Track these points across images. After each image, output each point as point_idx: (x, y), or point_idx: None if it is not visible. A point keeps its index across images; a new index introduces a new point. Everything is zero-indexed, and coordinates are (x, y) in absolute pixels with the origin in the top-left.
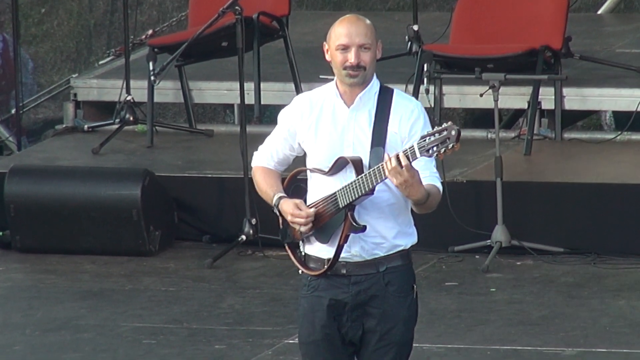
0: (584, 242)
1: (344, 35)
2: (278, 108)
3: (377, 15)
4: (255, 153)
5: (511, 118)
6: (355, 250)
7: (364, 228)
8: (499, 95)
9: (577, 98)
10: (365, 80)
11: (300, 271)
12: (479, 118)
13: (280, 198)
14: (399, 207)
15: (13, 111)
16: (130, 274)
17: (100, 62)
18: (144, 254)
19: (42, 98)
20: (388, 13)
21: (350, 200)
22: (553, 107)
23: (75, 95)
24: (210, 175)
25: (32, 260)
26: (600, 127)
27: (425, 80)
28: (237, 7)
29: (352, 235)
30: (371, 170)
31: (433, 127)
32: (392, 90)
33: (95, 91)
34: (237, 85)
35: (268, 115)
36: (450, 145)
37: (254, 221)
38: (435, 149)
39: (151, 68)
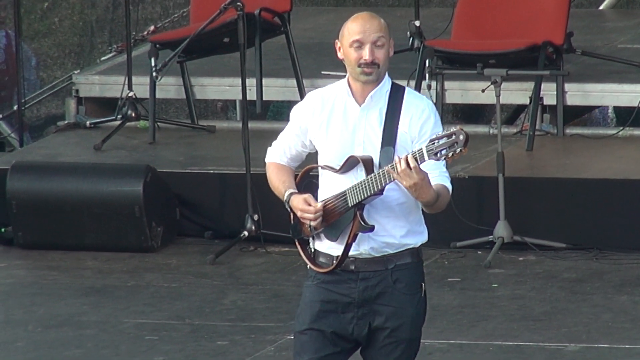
0: (586, 238)
1: (358, 32)
2: (280, 104)
3: (379, 10)
4: (268, 149)
5: (513, 114)
6: (364, 249)
7: (372, 228)
8: (501, 91)
9: (579, 93)
10: (379, 77)
11: (308, 266)
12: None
13: (292, 194)
14: (409, 205)
15: (15, 107)
16: (133, 270)
17: (102, 59)
18: (146, 250)
19: (44, 94)
20: (390, 9)
21: (360, 199)
22: (555, 103)
23: (77, 91)
24: (212, 171)
25: (35, 257)
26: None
27: (427, 76)
28: (238, 3)
29: (361, 234)
30: (381, 170)
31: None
32: (403, 89)
33: (97, 87)
34: (239, 81)
35: (272, 110)
36: (458, 150)
37: (256, 217)
38: (443, 152)
39: (153, 64)
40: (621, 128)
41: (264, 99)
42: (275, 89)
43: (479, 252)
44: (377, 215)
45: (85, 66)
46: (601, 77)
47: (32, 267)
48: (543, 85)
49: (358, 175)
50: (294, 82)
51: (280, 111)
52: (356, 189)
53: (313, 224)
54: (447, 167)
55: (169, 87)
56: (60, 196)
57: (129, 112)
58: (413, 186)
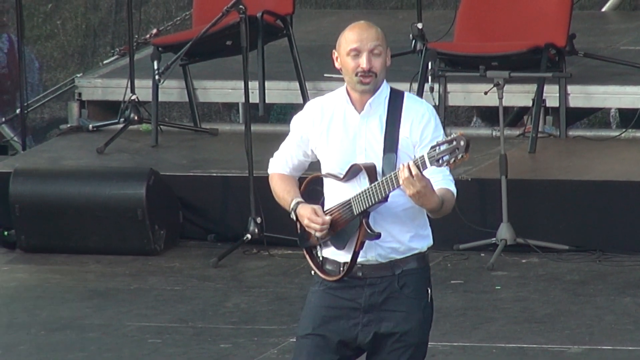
0: (589, 240)
1: (355, 41)
2: (282, 107)
3: (382, 13)
4: (270, 160)
5: (516, 116)
6: (371, 256)
7: (378, 235)
8: (504, 93)
9: (581, 95)
10: (376, 86)
11: (313, 272)
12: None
13: (298, 203)
14: (414, 211)
15: (18, 111)
16: (136, 274)
17: (105, 62)
18: (149, 253)
19: (46, 98)
20: (392, 11)
21: (365, 207)
22: (557, 105)
23: (79, 94)
24: (215, 174)
25: (37, 260)
26: (607, 124)
27: (429, 78)
28: (241, 6)
29: (367, 241)
30: (384, 178)
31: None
32: (402, 94)
33: (99, 90)
34: (241, 84)
35: (274, 113)
36: (460, 156)
37: (259, 220)
38: (445, 158)
39: (156, 67)
40: (624, 130)
41: (266, 101)
42: (278, 91)
43: (482, 255)
44: (383, 222)
45: (87, 69)
46: (604, 79)
47: (35, 271)
48: (545, 88)
49: (361, 183)
50: (296, 84)
51: (283, 113)
52: (361, 197)
53: (319, 234)
54: (450, 171)
55: (172, 90)
56: (63, 199)
57: (132, 115)
58: (416, 194)
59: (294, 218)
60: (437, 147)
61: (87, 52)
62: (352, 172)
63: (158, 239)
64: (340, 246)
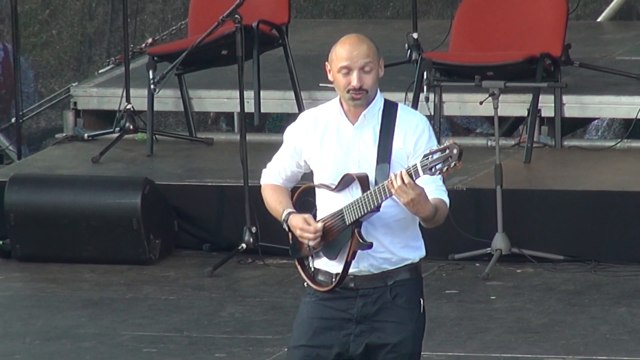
0: (584, 250)
1: (345, 58)
2: (278, 116)
3: (377, 23)
4: (263, 170)
5: (511, 126)
6: (363, 266)
7: (370, 245)
8: (499, 103)
9: (576, 105)
10: (368, 101)
11: (305, 284)
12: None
13: (290, 213)
14: (406, 221)
15: (13, 120)
16: (131, 283)
17: (100, 71)
18: (144, 262)
19: (42, 107)
20: (388, 21)
21: (357, 217)
22: (553, 115)
23: (75, 103)
24: (210, 184)
25: (32, 269)
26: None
27: (425, 88)
28: (236, 16)
29: (360, 251)
30: (376, 187)
31: (438, 140)
32: (396, 105)
33: (95, 100)
34: (237, 93)
35: (270, 124)
36: (453, 164)
37: (254, 229)
38: (438, 167)
39: (151, 76)
40: (619, 140)
41: (262, 111)
42: (273, 101)
43: (477, 264)
44: (375, 232)
45: (83, 78)
46: (599, 89)
47: (30, 280)
48: (541, 97)
49: (354, 193)
50: (292, 94)
51: (279, 122)
52: (353, 206)
53: (312, 243)
54: (444, 180)
55: (167, 100)
56: (58, 209)
57: (127, 124)
58: (410, 202)
59: (286, 229)
60: (430, 156)
61: (83, 61)
62: (345, 182)
63: (153, 249)
64: (332, 256)
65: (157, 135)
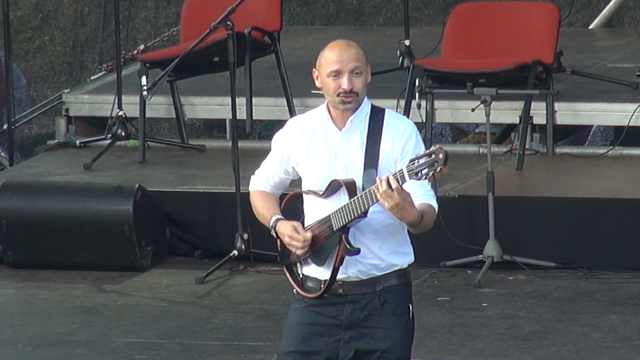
0: (576, 257)
1: (335, 62)
2: (270, 123)
3: (369, 30)
4: (252, 177)
5: (503, 133)
6: (352, 272)
7: (358, 251)
8: (491, 110)
9: (568, 113)
10: (358, 104)
11: (295, 290)
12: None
13: (278, 220)
14: (394, 227)
15: (5, 126)
16: (122, 290)
17: (92, 77)
18: (136, 269)
19: (34, 113)
20: (379, 28)
21: (344, 223)
22: (545, 122)
23: (67, 110)
24: (202, 191)
25: (24, 276)
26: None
27: (416, 95)
28: (228, 23)
29: (348, 257)
30: (363, 193)
31: (426, 144)
32: (383, 111)
33: (87, 106)
34: (228, 100)
35: (262, 129)
36: (439, 168)
37: (246, 236)
38: (424, 171)
39: (143, 83)
40: (611, 147)
41: (253, 118)
42: (265, 108)
43: (469, 272)
44: (363, 237)
45: (75, 85)
46: (591, 96)
47: (22, 286)
48: (533, 105)
49: (341, 199)
50: (284, 101)
51: (267, 131)
52: (340, 212)
53: (299, 252)
54: (435, 186)
55: (159, 106)
56: (50, 215)
57: (119, 131)
58: (395, 207)
59: (274, 235)
60: (416, 161)
61: (75, 68)
62: (332, 188)
63: (145, 255)
64: (320, 262)
65: (149, 142)
